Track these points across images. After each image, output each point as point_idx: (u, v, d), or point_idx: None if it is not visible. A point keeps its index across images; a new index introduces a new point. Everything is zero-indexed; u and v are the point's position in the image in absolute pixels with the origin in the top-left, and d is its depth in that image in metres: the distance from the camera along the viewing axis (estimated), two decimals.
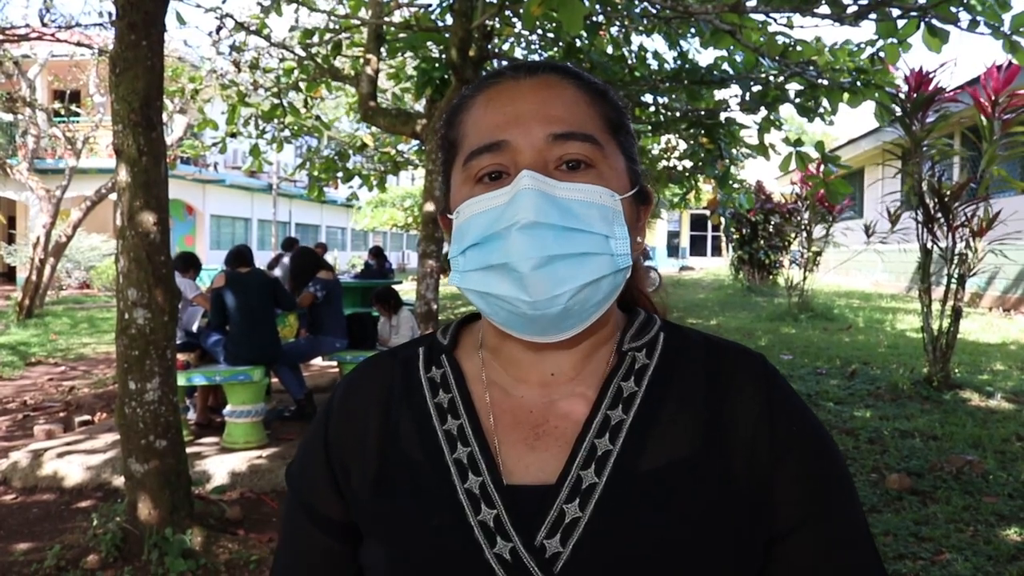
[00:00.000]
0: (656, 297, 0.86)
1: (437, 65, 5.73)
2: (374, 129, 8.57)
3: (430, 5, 6.41)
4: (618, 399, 0.71)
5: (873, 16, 3.95)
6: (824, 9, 4.04)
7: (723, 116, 6.33)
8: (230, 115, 7.46)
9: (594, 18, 5.19)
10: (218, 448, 4.77)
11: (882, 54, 4.66)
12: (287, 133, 8.41)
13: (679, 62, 5.87)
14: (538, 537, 0.64)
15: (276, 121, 7.86)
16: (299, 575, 0.78)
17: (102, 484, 4.22)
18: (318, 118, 8.49)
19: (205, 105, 8.41)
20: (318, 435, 0.78)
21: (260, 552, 3.24)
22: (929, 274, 5.86)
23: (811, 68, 4.89)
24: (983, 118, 5.77)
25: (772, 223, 15.26)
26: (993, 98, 5.66)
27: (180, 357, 4.84)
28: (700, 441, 0.68)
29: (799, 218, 11.75)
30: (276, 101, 7.41)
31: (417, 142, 7.59)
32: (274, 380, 5.81)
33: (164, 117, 4.04)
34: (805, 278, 10.91)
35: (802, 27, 5.05)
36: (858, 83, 4.74)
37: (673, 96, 6.26)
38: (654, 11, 5.18)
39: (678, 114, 6.53)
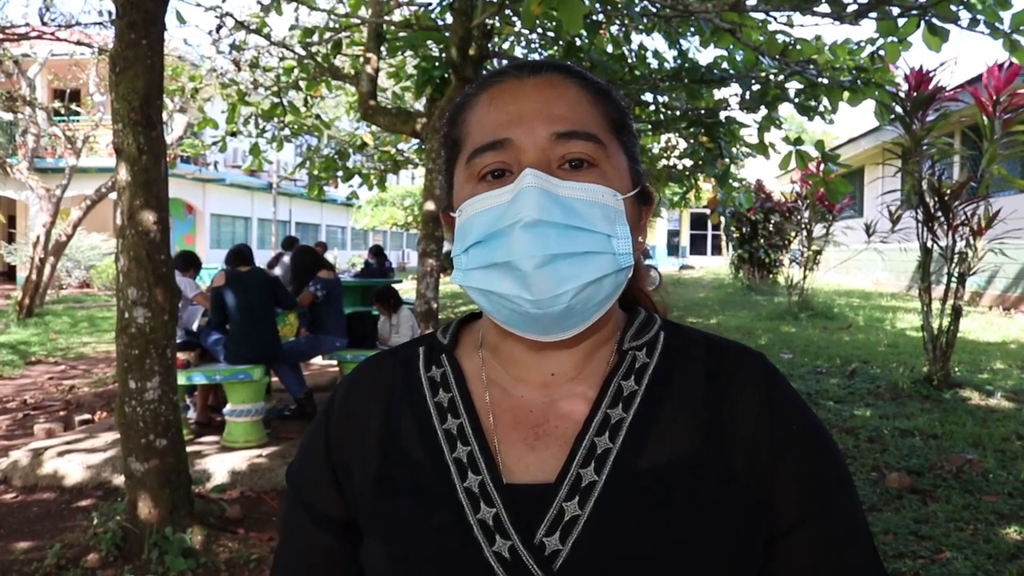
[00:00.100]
0: (656, 296, 0.86)
1: (437, 64, 5.73)
2: (374, 128, 8.57)
3: (430, 4, 6.40)
4: (618, 398, 0.71)
5: (873, 15, 3.95)
6: (824, 8, 4.04)
7: (723, 115, 6.33)
8: (230, 114, 7.46)
9: (594, 17, 5.19)
10: (218, 447, 4.77)
11: (882, 53, 4.66)
12: (287, 132, 8.41)
13: (679, 61, 5.87)
14: (537, 535, 0.64)
15: (276, 120, 7.86)
16: (299, 574, 0.78)
17: (102, 483, 4.22)
18: (318, 117, 8.49)
19: (205, 104, 8.41)
20: (319, 434, 0.78)
21: (260, 551, 3.25)
22: (929, 273, 5.86)
23: (811, 67, 4.89)
24: (984, 117, 5.77)
25: (772, 222, 15.27)
26: (994, 97, 5.65)
27: (180, 356, 4.84)
28: (700, 440, 0.68)
29: (799, 217, 11.75)
30: (276, 100, 7.41)
31: (417, 141, 7.59)
32: (274, 379, 5.82)
33: (164, 116, 4.04)
34: (805, 277, 10.91)
35: (802, 26, 5.06)
36: (858, 82, 4.74)
37: (673, 95, 6.26)
38: (654, 10, 5.18)
39: (678, 113, 6.53)
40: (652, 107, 6.50)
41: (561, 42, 5.82)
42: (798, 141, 5.08)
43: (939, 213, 5.70)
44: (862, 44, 5.08)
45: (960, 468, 3.90)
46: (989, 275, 10.93)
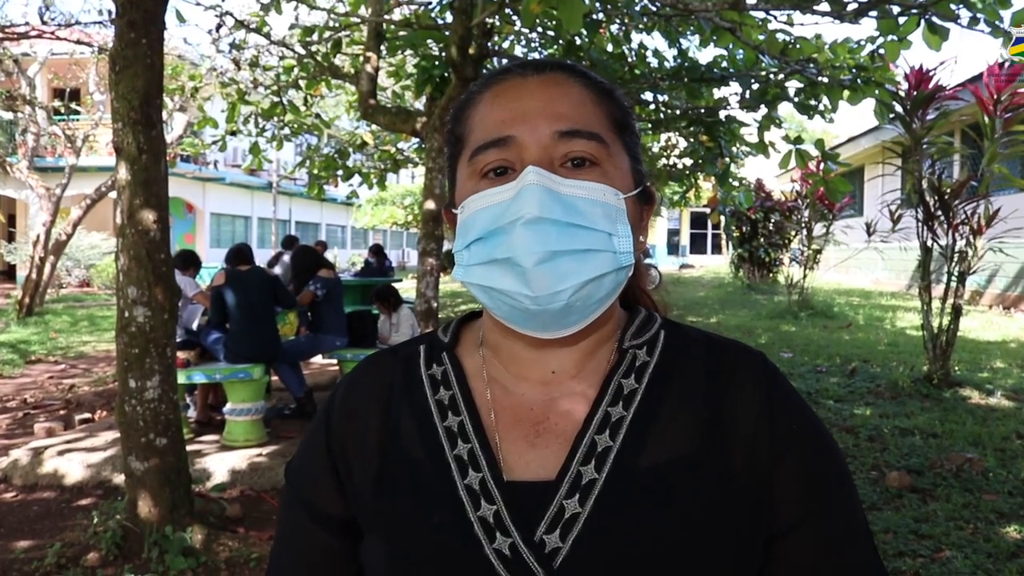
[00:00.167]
0: (656, 295, 0.86)
1: (437, 63, 5.73)
2: (374, 127, 8.57)
3: (430, 3, 6.40)
4: (619, 396, 0.71)
5: (873, 13, 3.95)
6: (824, 6, 4.04)
7: (723, 114, 6.33)
8: (230, 113, 7.46)
9: (594, 16, 5.19)
10: (218, 446, 4.77)
11: (882, 51, 4.66)
12: (287, 131, 8.41)
13: (679, 60, 5.87)
14: (538, 533, 0.64)
15: (276, 119, 7.86)
16: (298, 572, 0.78)
17: (102, 482, 4.22)
18: (318, 116, 8.49)
19: (205, 103, 8.40)
20: (319, 433, 0.78)
21: (260, 550, 3.25)
22: (929, 272, 5.86)
23: (811, 65, 4.89)
24: (985, 116, 5.76)
25: (772, 221, 15.27)
26: (995, 96, 5.65)
27: (180, 355, 4.85)
28: (700, 439, 0.68)
29: (799, 216, 11.75)
30: (276, 99, 7.41)
31: (417, 140, 7.59)
32: (274, 378, 5.82)
33: (164, 115, 4.04)
34: (805, 276, 10.91)
35: (802, 24, 5.07)
36: (858, 80, 4.74)
37: (673, 94, 6.26)
38: (654, 8, 5.18)
39: (678, 112, 6.53)
40: (652, 106, 6.50)
41: (561, 41, 5.82)
42: (798, 140, 5.08)
43: (939, 212, 5.70)
44: (862, 43, 5.09)
45: (960, 467, 3.90)
46: (989, 274, 10.93)
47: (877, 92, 4.76)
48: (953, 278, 5.71)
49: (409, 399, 0.75)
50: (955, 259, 5.71)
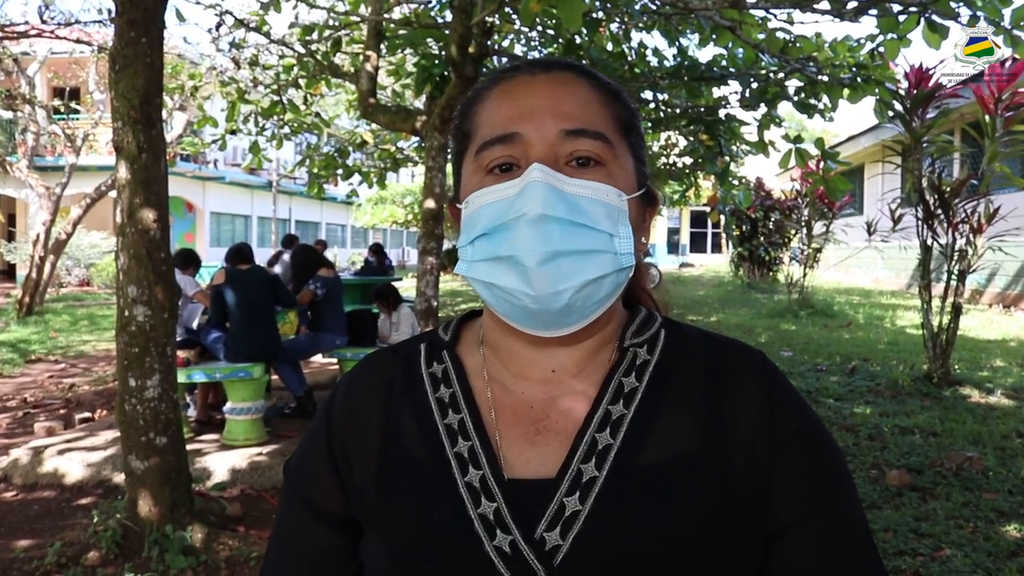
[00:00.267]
0: (656, 294, 0.86)
1: (437, 62, 5.72)
2: (374, 126, 8.57)
3: (430, 1, 6.40)
4: (619, 394, 0.71)
5: (873, 11, 3.95)
6: (824, 4, 4.04)
7: (723, 113, 6.32)
8: (230, 112, 7.45)
9: (594, 14, 5.18)
10: (218, 445, 4.77)
11: (882, 49, 4.65)
12: (287, 130, 8.40)
13: (679, 59, 5.87)
14: (538, 530, 0.64)
15: (276, 118, 7.85)
16: (297, 570, 0.78)
17: (102, 481, 4.22)
18: (318, 115, 8.48)
19: (205, 102, 8.39)
20: (320, 431, 0.78)
21: (260, 549, 3.25)
22: (929, 271, 5.86)
23: (811, 64, 4.89)
24: (986, 116, 5.76)
25: (772, 220, 15.27)
26: (996, 95, 5.64)
27: (180, 354, 4.84)
28: (700, 438, 0.68)
29: (799, 215, 11.75)
30: (276, 98, 7.40)
31: (417, 139, 7.58)
32: (274, 377, 5.82)
33: (164, 114, 4.03)
34: (805, 275, 10.91)
35: (802, 23, 5.07)
36: (858, 79, 4.74)
37: (673, 92, 6.25)
38: (654, 7, 5.17)
39: (678, 111, 6.52)
40: (652, 105, 6.49)
41: (561, 40, 5.81)
42: (798, 139, 5.07)
43: (939, 211, 5.70)
44: (862, 41, 5.08)
45: (960, 466, 3.90)
46: (989, 273, 10.93)
47: (877, 90, 4.76)
48: (953, 277, 5.71)
49: (410, 397, 0.75)
50: (955, 258, 5.71)
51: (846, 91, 4.77)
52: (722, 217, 16.01)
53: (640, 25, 5.60)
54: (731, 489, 0.67)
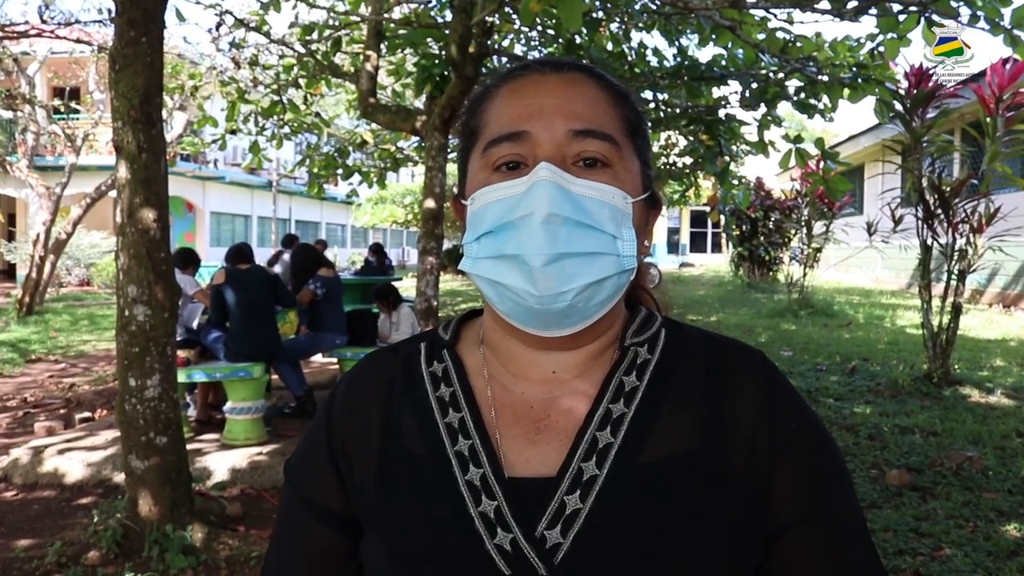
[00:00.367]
0: (656, 293, 0.86)
1: (437, 61, 5.72)
2: (374, 126, 8.56)
3: (430, 1, 6.40)
4: (619, 393, 0.71)
5: (873, 11, 3.95)
6: (824, 4, 4.04)
7: (723, 112, 6.32)
8: (230, 112, 7.45)
9: (593, 14, 5.18)
10: (218, 445, 4.77)
11: (882, 49, 4.65)
12: (287, 130, 8.39)
13: (679, 59, 5.87)
14: (539, 528, 0.65)
15: (276, 118, 7.84)
16: (298, 570, 0.78)
17: (103, 481, 4.22)
18: (318, 115, 8.47)
19: (205, 102, 8.39)
20: (320, 430, 0.78)
21: (261, 548, 3.25)
22: (929, 270, 5.86)
23: (811, 64, 4.88)
24: (987, 115, 5.75)
25: (772, 219, 15.27)
26: (997, 95, 5.64)
27: (180, 354, 4.84)
28: (700, 437, 0.69)
29: (799, 214, 11.75)
30: (276, 98, 7.40)
31: (417, 138, 7.58)
32: (274, 377, 5.82)
33: (164, 114, 4.03)
34: (805, 274, 10.91)
35: (802, 23, 5.06)
36: (858, 79, 4.73)
37: (673, 92, 6.25)
38: (654, 7, 5.17)
39: (678, 110, 6.52)
40: (652, 105, 6.49)
41: (561, 40, 5.81)
42: (798, 139, 5.07)
43: (939, 210, 5.70)
44: (862, 41, 5.08)
45: (960, 465, 3.90)
46: (989, 272, 10.93)
47: (877, 90, 4.75)
48: (953, 276, 5.71)
49: (410, 396, 0.75)
50: (955, 257, 5.71)
51: (846, 91, 4.77)
52: (722, 217, 16.01)
53: (640, 25, 5.60)
54: (731, 488, 0.67)
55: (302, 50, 6.64)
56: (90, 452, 4.47)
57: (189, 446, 3.80)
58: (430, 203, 5.26)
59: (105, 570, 3.01)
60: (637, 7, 5.25)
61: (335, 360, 6.78)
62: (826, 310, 10.74)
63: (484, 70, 5.33)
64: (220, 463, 4.33)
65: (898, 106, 5.68)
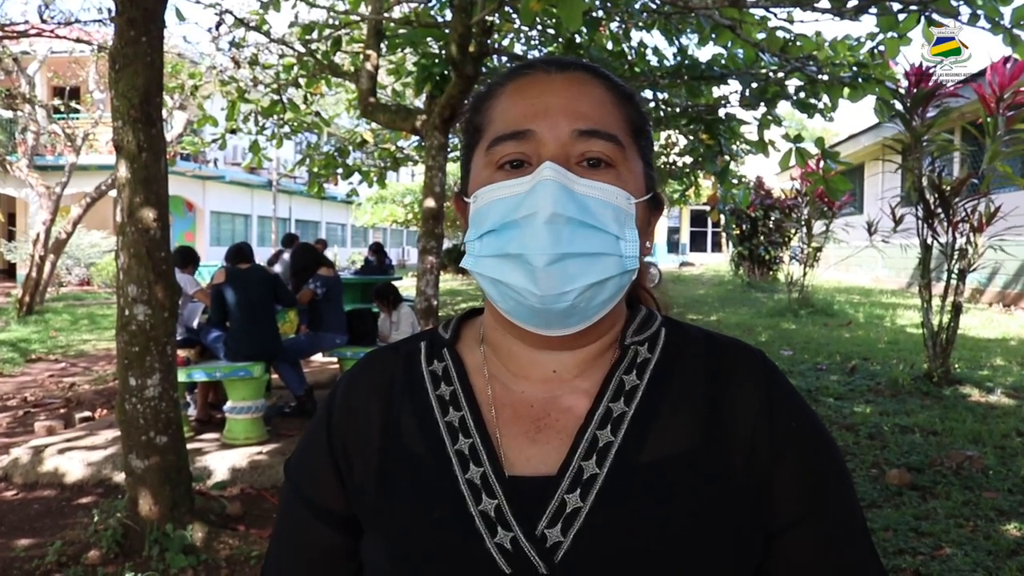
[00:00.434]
0: (656, 292, 0.86)
1: (437, 61, 5.72)
2: (374, 125, 8.56)
3: (430, 1, 6.40)
4: (620, 392, 0.71)
5: (873, 10, 3.94)
6: (824, 3, 4.03)
7: (723, 112, 6.31)
8: (230, 111, 7.45)
9: (593, 13, 5.18)
10: (218, 444, 4.77)
11: (882, 48, 4.65)
12: (287, 129, 8.39)
13: (679, 58, 5.86)
14: (539, 527, 0.65)
15: (276, 117, 7.84)
16: (298, 569, 0.78)
17: (103, 480, 4.22)
18: (318, 114, 8.47)
19: (205, 101, 8.38)
20: (320, 429, 0.78)
21: (261, 548, 3.25)
22: (929, 270, 5.86)
23: (811, 63, 4.88)
24: (987, 115, 5.75)
25: (772, 219, 15.26)
26: (998, 94, 5.64)
27: (180, 353, 4.84)
28: (700, 437, 0.69)
29: (799, 214, 11.75)
30: (276, 97, 7.39)
31: (417, 138, 7.58)
32: (274, 376, 5.82)
33: (164, 113, 4.03)
34: (805, 274, 10.91)
35: (802, 22, 5.06)
36: (858, 78, 4.73)
37: (673, 92, 6.25)
38: (654, 6, 5.17)
39: (678, 110, 6.52)
40: (652, 104, 6.49)
41: (561, 39, 5.81)
42: (798, 138, 5.07)
43: (939, 210, 5.70)
44: (862, 40, 5.07)
45: (960, 465, 3.90)
46: (990, 272, 10.93)
47: (877, 89, 4.75)
48: (953, 276, 5.71)
49: (410, 395, 0.75)
50: (955, 257, 5.71)
51: (846, 90, 4.76)
52: (722, 216, 15.99)
53: (640, 24, 5.60)
54: (731, 488, 0.67)
55: (302, 49, 6.64)
56: (90, 452, 4.47)
57: (189, 445, 3.81)
58: (430, 202, 5.26)
59: (105, 569, 3.01)
60: (637, 6, 5.25)
61: (335, 360, 6.78)
62: (826, 309, 10.74)
63: (484, 69, 5.33)
64: (220, 463, 4.34)
65: (898, 105, 5.68)
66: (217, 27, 6.62)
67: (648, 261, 0.84)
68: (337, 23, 6.55)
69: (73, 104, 17.15)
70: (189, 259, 5.88)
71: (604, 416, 0.70)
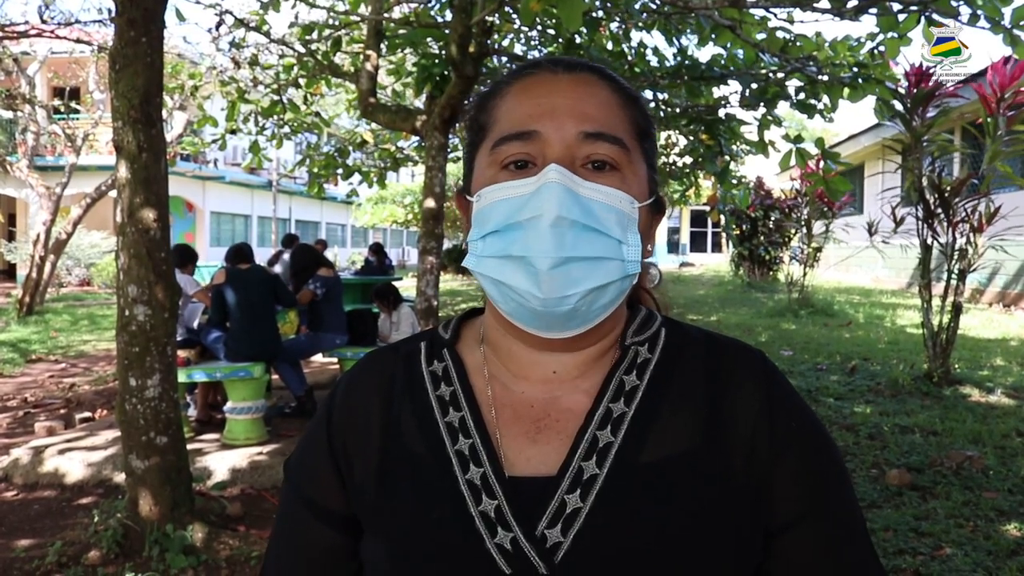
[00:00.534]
0: (656, 293, 0.86)
1: (437, 61, 5.72)
2: (374, 125, 8.56)
3: (430, 1, 6.40)
4: (620, 392, 0.71)
5: (873, 10, 3.94)
6: (824, 3, 4.04)
7: (723, 112, 6.31)
8: (230, 112, 7.45)
9: (593, 14, 5.18)
10: (219, 444, 4.77)
11: (882, 48, 4.65)
12: (287, 129, 8.39)
13: (679, 58, 5.86)
14: (539, 527, 0.65)
15: (276, 117, 7.84)
16: (297, 569, 0.78)
17: (103, 481, 4.22)
18: (318, 114, 8.47)
19: (205, 102, 8.38)
20: (320, 429, 0.78)
21: (261, 548, 3.25)
22: (929, 270, 5.86)
23: (811, 64, 4.88)
24: (987, 115, 5.75)
25: (772, 219, 15.26)
26: (998, 94, 5.64)
27: (181, 354, 4.84)
28: (700, 437, 0.69)
29: (799, 214, 11.75)
30: (276, 97, 7.39)
31: (417, 138, 7.58)
32: (274, 377, 5.82)
33: (164, 114, 4.03)
34: (805, 274, 10.91)
35: (802, 22, 5.06)
36: (858, 78, 4.73)
37: (673, 92, 6.24)
38: (654, 6, 5.17)
39: (678, 110, 6.52)
40: (652, 104, 6.49)
41: (561, 39, 5.81)
42: (798, 139, 5.07)
43: (939, 210, 5.70)
44: (862, 40, 5.07)
45: (960, 465, 3.90)
46: (990, 272, 10.93)
47: (877, 90, 4.75)
48: (953, 276, 5.71)
49: (410, 395, 0.75)
50: (955, 257, 5.71)
51: (846, 90, 4.76)
52: (722, 217, 15.98)
53: (640, 24, 5.60)
54: (731, 488, 0.67)
55: (302, 50, 6.64)
56: (90, 452, 4.47)
57: (189, 446, 3.80)
58: (430, 203, 5.26)
59: (105, 570, 3.01)
60: (637, 6, 5.24)
61: (335, 360, 6.78)
62: (826, 310, 10.74)
63: (484, 70, 5.33)
64: (220, 463, 4.34)
65: (898, 105, 5.68)
66: (217, 27, 6.63)
67: (648, 262, 0.84)
68: (337, 23, 6.56)
69: (73, 104, 17.17)
70: (187, 258, 5.87)
71: (604, 416, 0.70)
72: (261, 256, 9.39)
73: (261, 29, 6.50)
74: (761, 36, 4.88)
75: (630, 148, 0.70)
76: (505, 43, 6.66)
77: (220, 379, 5.00)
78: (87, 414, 5.89)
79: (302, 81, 7.18)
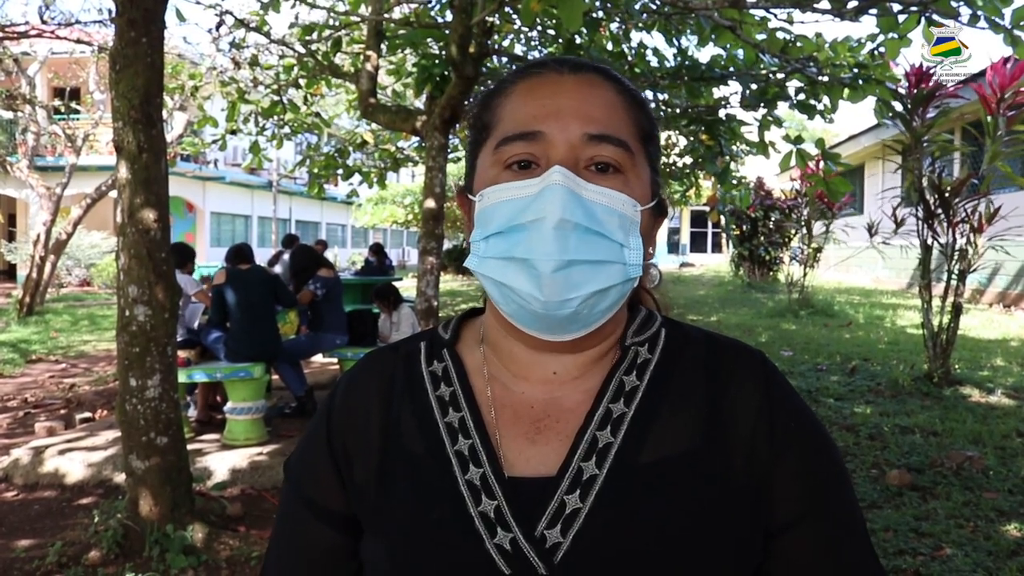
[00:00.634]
0: (656, 293, 0.86)
1: (437, 61, 5.72)
2: (374, 126, 8.56)
3: (430, 1, 6.40)
4: (620, 392, 0.71)
5: (874, 11, 3.94)
6: (824, 4, 4.04)
7: (723, 113, 6.31)
8: (230, 112, 7.45)
9: (593, 14, 5.18)
10: (219, 445, 4.78)
11: (882, 49, 4.65)
12: (287, 130, 8.39)
13: (679, 59, 5.86)
14: (539, 528, 0.65)
15: (276, 118, 7.84)
16: (298, 570, 0.78)
17: (103, 481, 4.22)
18: (318, 115, 8.47)
19: (205, 102, 8.39)
20: (320, 429, 0.78)
21: (261, 548, 3.25)
22: (929, 270, 5.86)
23: (811, 64, 4.88)
24: (987, 115, 5.75)
25: (772, 219, 15.27)
26: (998, 94, 5.64)
27: (181, 354, 4.85)
28: (700, 437, 0.69)
29: (799, 214, 11.75)
30: (276, 98, 7.40)
31: (417, 139, 7.58)
32: (275, 377, 5.82)
33: (164, 114, 4.03)
34: (805, 274, 10.91)
35: (802, 23, 5.06)
36: (859, 79, 4.73)
37: (673, 92, 6.24)
38: (654, 7, 5.17)
39: (678, 111, 6.52)
40: (652, 105, 6.49)
41: (561, 40, 5.81)
42: (798, 140, 5.07)
43: (939, 210, 5.70)
44: (862, 41, 5.07)
45: (960, 465, 3.90)
46: (990, 272, 10.93)
47: (877, 90, 4.75)
48: (953, 276, 5.71)
49: (410, 395, 0.75)
50: (955, 257, 5.70)
51: (846, 91, 4.76)
52: (722, 217, 15.99)
53: (640, 25, 5.60)
54: (731, 489, 0.67)
55: (302, 50, 6.64)
56: (91, 452, 4.47)
57: (189, 446, 3.81)
58: (430, 203, 5.26)
59: (105, 570, 3.01)
60: (637, 7, 5.24)
61: (335, 360, 6.78)
62: (826, 310, 10.74)
63: (484, 70, 5.33)
64: (220, 463, 4.34)
65: (898, 106, 5.67)
66: (217, 28, 6.63)
67: (649, 263, 0.84)
68: (337, 24, 6.56)
69: (73, 105, 17.17)
70: (187, 257, 5.86)
71: (604, 417, 0.70)
72: (261, 256, 9.40)
73: (261, 29, 6.50)
74: (761, 37, 4.88)
75: (634, 151, 0.70)
76: (505, 43, 6.67)
77: (220, 379, 5.00)
78: (87, 414, 5.89)
79: (302, 81, 7.19)
